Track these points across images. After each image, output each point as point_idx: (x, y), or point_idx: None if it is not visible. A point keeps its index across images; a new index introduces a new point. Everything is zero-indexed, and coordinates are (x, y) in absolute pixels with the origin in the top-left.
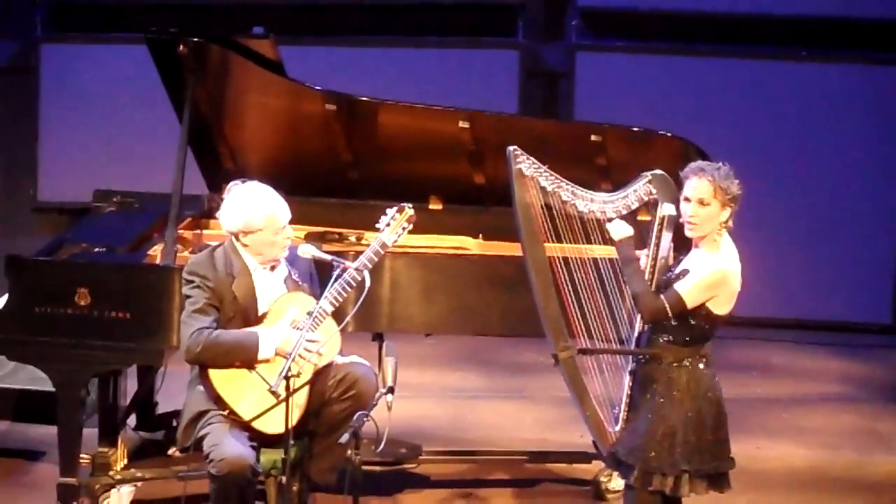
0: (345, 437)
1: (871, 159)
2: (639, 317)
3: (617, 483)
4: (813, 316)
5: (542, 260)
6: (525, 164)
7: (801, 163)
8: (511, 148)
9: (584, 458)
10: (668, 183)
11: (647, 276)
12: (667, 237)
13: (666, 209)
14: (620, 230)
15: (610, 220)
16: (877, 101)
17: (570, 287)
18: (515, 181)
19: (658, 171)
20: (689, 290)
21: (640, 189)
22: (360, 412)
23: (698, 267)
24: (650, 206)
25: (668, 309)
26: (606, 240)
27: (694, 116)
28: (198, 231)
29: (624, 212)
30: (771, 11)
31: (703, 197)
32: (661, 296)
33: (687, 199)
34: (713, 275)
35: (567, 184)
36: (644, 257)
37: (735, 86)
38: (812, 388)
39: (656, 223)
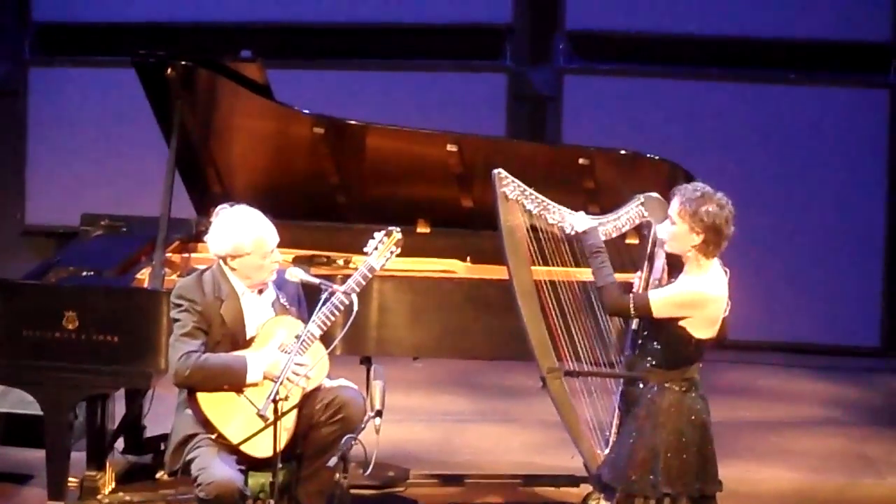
0: (333, 461)
1: (859, 182)
2: (628, 341)
3: None
4: (801, 339)
5: (528, 283)
6: (510, 188)
7: (789, 185)
8: (496, 171)
9: (572, 481)
10: (662, 205)
11: None
12: (660, 258)
13: (659, 231)
14: (584, 221)
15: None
16: (864, 124)
17: (557, 310)
18: (500, 204)
19: (652, 194)
20: (659, 300)
21: (633, 211)
22: (347, 435)
23: (678, 284)
24: (643, 227)
25: (631, 308)
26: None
27: (682, 139)
28: (186, 254)
29: (614, 234)
30: (759, 34)
31: (671, 215)
32: (630, 294)
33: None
34: (687, 294)
35: (554, 206)
36: (637, 279)
37: (723, 109)
38: (801, 411)
39: (649, 244)
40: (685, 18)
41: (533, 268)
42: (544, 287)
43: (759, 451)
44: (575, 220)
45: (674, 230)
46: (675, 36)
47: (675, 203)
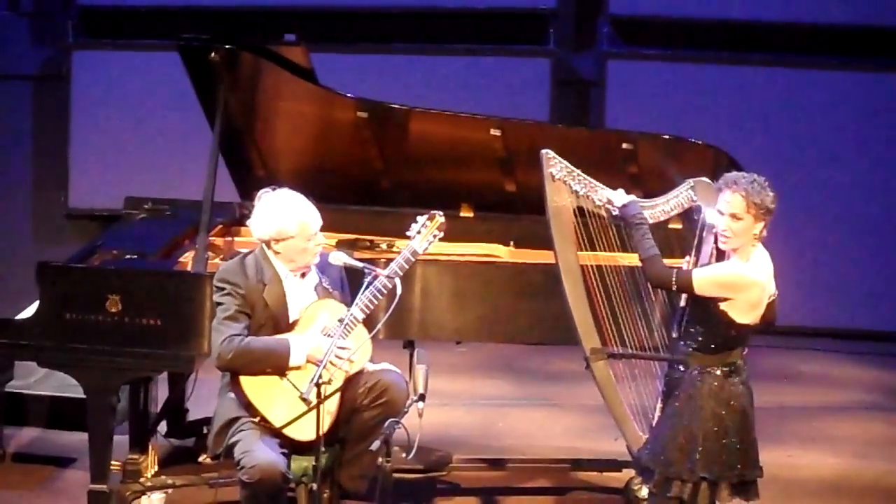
0: (375, 445)
1: None
2: (674, 325)
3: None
4: (844, 325)
5: (573, 263)
6: (556, 168)
7: (832, 171)
8: (544, 151)
9: (615, 466)
10: (711, 189)
11: None
12: (708, 243)
13: (708, 216)
14: (622, 196)
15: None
16: None
17: (603, 295)
18: (547, 184)
19: (702, 178)
20: (702, 278)
21: (682, 195)
22: (390, 419)
23: (723, 264)
24: (694, 211)
25: (673, 281)
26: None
27: (725, 124)
28: (229, 238)
29: (661, 217)
30: (804, 19)
31: (737, 212)
32: (675, 270)
33: (720, 213)
34: (731, 276)
35: (601, 187)
36: (685, 263)
37: (766, 94)
38: (843, 396)
39: (698, 229)
40: (729, 3)
41: (579, 252)
42: (590, 272)
43: (801, 436)
44: (613, 195)
45: (741, 225)
46: (718, 21)
47: (738, 199)
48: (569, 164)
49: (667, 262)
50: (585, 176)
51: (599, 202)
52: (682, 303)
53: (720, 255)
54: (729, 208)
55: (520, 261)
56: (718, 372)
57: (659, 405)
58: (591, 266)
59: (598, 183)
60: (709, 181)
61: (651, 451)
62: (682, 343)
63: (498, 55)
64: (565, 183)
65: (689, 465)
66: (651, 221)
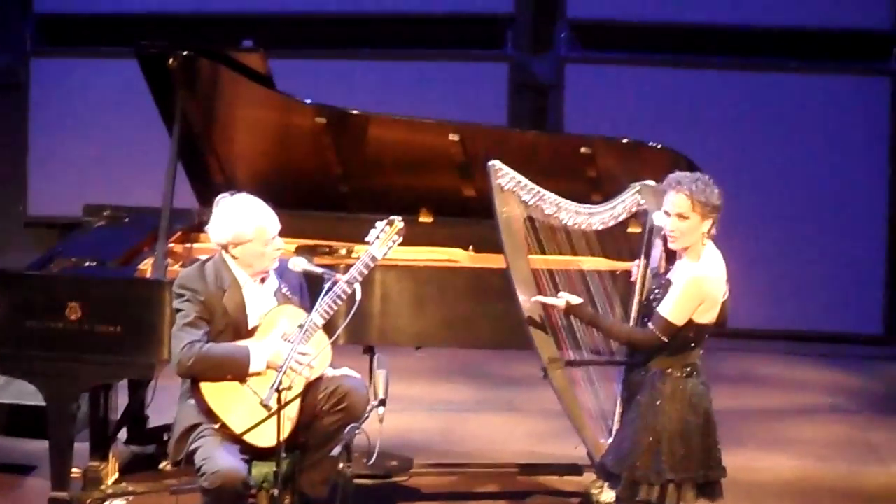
0: (336, 450)
1: (862, 170)
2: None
3: (608, 495)
4: (805, 327)
5: (526, 273)
6: (505, 179)
7: (792, 173)
8: (491, 163)
9: (575, 470)
10: (658, 193)
11: (638, 285)
12: (657, 246)
13: (656, 219)
14: (561, 301)
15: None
16: (866, 112)
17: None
18: (496, 195)
19: (647, 182)
20: (673, 310)
21: (629, 200)
22: (351, 425)
23: (677, 281)
24: (640, 216)
25: (660, 336)
26: (592, 251)
27: (684, 128)
28: (188, 245)
29: (611, 223)
30: (761, 23)
31: (682, 211)
32: (650, 325)
33: (667, 213)
34: (688, 287)
35: (550, 196)
36: (636, 267)
37: (725, 97)
38: (804, 399)
39: (646, 233)
40: (687, 7)
41: (531, 257)
42: (542, 276)
43: (761, 439)
44: (558, 302)
45: (687, 224)
46: (676, 25)
47: (682, 198)
48: (517, 174)
49: (620, 265)
50: (534, 185)
51: (549, 211)
52: (636, 306)
53: (670, 257)
54: (675, 208)
55: (479, 265)
56: (679, 373)
57: (618, 409)
58: (544, 271)
59: (547, 192)
60: (655, 184)
61: (616, 456)
62: None
63: (456, 59)
64: (514, 193)
65: (655, 467)
66: (601, 227)
